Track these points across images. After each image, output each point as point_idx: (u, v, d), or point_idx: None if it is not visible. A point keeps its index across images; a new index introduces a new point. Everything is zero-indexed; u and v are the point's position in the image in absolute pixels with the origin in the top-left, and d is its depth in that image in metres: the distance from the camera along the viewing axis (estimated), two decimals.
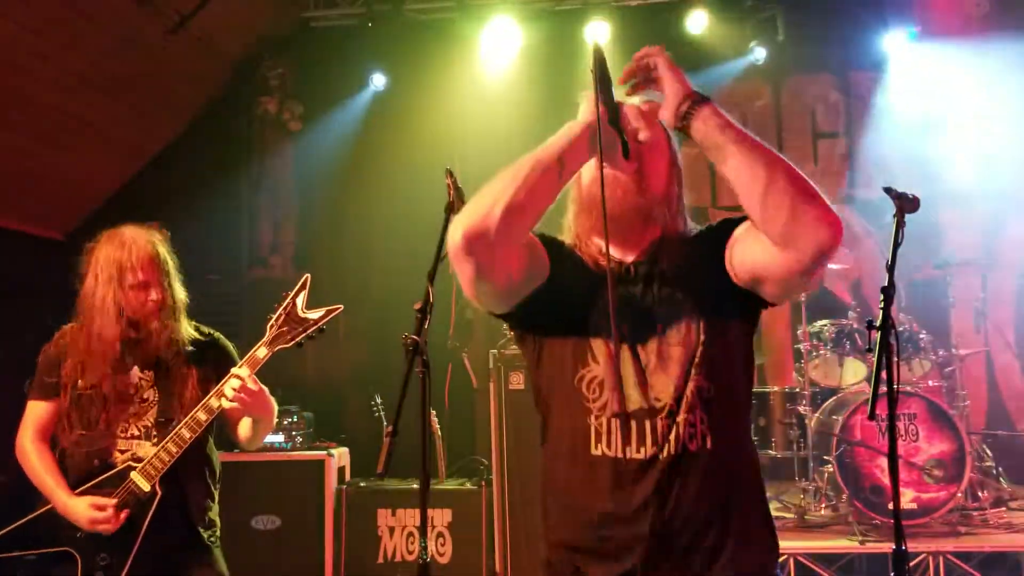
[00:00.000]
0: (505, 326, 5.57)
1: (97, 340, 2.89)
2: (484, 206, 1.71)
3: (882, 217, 5.96)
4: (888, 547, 3.40)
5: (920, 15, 6.69)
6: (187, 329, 3.02)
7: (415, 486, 5.23)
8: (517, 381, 5.09)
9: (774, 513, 5.14)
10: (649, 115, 1.85)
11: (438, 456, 5.65)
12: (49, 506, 2.91)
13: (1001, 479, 5.45)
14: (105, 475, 2.87)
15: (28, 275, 6.37)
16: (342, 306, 2.94)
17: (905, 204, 2.99)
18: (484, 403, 5.48)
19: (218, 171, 7.16)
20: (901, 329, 5.12)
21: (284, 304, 2.90)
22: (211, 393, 2.84)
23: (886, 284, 2.93)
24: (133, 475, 2.84)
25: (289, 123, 7.18)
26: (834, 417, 5.10)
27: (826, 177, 6.81)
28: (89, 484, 2.87)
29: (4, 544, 2.93)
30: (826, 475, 5.21)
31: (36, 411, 2.99)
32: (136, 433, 2.92)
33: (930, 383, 5.31)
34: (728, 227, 1.89)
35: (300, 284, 2.94)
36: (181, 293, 3.02)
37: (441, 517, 5.35)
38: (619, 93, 1.82)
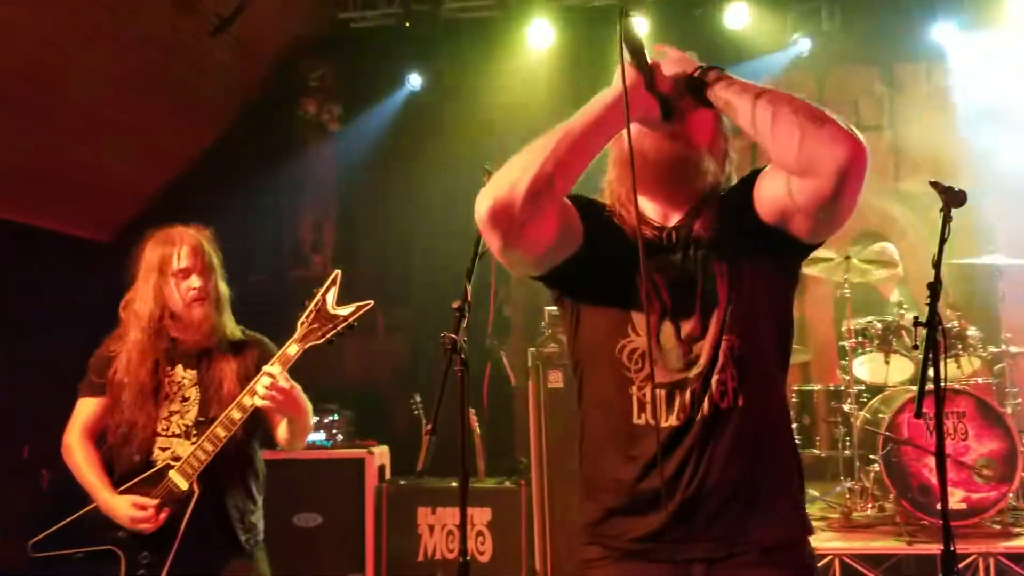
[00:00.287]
0: (543, 324, 5.53)
1: (140, 338, 2.92)
2: (511, 178, 1.71)
3: (928, 211, 5.87)
4: (936, 548, 3.34)
5: (969, 5, 6.56)
6: (231, 326, 3.04)
7: (454, 484, 5.23)
8: (556, 379, 5.07)
9: (820, 513, 5.15)
10: (691, 61, 1.85)
11: (477, 454, 5.65)
12: (94, 504, 2.95)
13: None
14: (146, 473, 2.89)
15: (76, 277, 6.47)
16: (372, 302, 2.89)
17: (951, 198, 2.93)
18: (523, 401, 5.47)
19: (259, 172, 7.22)
20: (949, 325, 5.02)
21: (314, 301, 2.88)
22: (244, 391, 2.85)
23: (932, 280, 2.87)
24: (171, 473, 2.87)
25: (329, 124, 7.23)
26: (880, 415, 5.02)
27: (870, 171, 6.69)
28: (131, 482, 2.91)
29: (53, 542, 2.99)
30: (872, 474, 5.13)
31: (84, 409, 3.04)
32: (177, 432, 2.94)
33: (979, 380, 5.19)
34: (754, 174, 1.87)
35: (330, 280, 2.91)
36: (224, 288, 3.04)
37: (481, 516, 5.35)
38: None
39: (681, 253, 1.87)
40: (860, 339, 5.44)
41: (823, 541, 4.69)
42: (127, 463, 2.92)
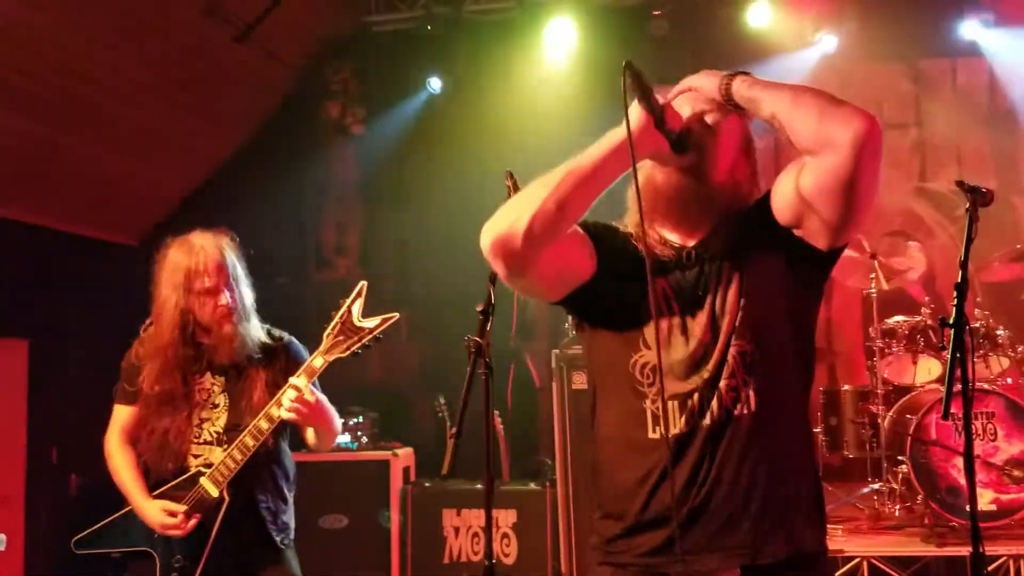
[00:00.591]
0: (567, 325, 5.53)
1: (168, 346, 2.94)
2: (512, 216, 1.76)
3: (955, 210, 5.82)
4: (966, 550, 3.30)
5: (996, 1, 6.49)
6: (258, 333, 3.04)
7: (479, 486, 5.24)
8: (580, 381, 5.06)
9: (848, 515, 5.11)
10: (716, 102, 1.88)
11: (502, 456, 5.66)
12: (129, 507, 3.00)
13: None
14: (179, 479, 2.93)
15: (105, 280, 6.55)
16: (398, 314, 2.89)
17: (978, 198, 2.90)
18: (547, 403, 5.47)
19: (284, 175, 7.28)
20: (977, 325, 4.97)
21: (340, 313, 2.87)
22: (271, 402, 2.86)
23: (959, 280, 2.84)
24: (202, 480, 2.90)
25: (352, 127, 7.27)
26: (908, 416, 4.97)
27: (896, 169, 6.65)
28: (164, 488, 2.94)
29: (93, 541, 3.05)
30: (900, 476, 5.08)
31: (121, 415, 3.09)
32: (208, 439, 2.97)
33: (1008, 380, 5.13)
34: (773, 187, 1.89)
35: (356, 292, 2.90)
36: (249, 297, 3.03)
37: (506, 518, 5.35)
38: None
39: (697, 269, 1.90)
40: (887, 339, 5.39)
41: (851, 543, 4.66)
42: (161, 469, 2.96)
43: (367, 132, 7.30)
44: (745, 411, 1.80)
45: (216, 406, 2.99)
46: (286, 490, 3.06)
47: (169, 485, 2.94)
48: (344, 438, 5.84)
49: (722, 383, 1.81)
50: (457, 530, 5.46)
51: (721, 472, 1.79)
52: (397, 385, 6.97)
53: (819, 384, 5.87)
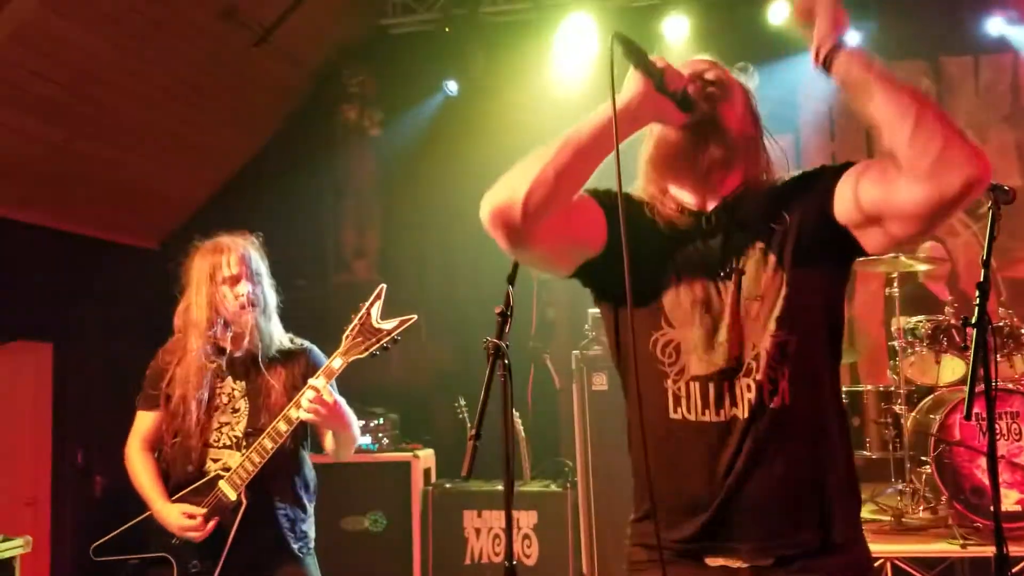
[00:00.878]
0: (586, 326, 5.51)
1: (193, 349, 2.97)
2: (510, 185, 1.73)
3: (978, 208, 5.76)
4: (991, 551, 3.27)
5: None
6: (280, 335, 3.06)
7: (500, 488, 5.24)
8: (600, 382, 5.06)
9: (870, 516, 5.07)
10: (715, 63, 1.86)
11: (522, 457, 5.65)
12: (149, 512, 3.03)
13: None
14: (197, 483, 2.95)
15: (127, 284, 6.61)
16: (415, 316, 2.91)
17: (1000, 196, 2.89)
18: (567, 404, 5.46)
19: (303, 179, 7.31)
20: (1001, 324, 4.92)
21: (359, 315, 2.90)
22: (291, 403, 2.88)
23: (981, 279, 2.82)
24: (220, 484, 2.92)
25: (369, 129, 7.28)
26: (931, 416, 4.93)
27: None
28: (183, 492, 2.97)
29: (110, 548, 3.07)
30: (924, 476, 5.03)
31: (143, 421, 3.12)
32: (228, 443, 2.99)
33: None
34: (832, 170, 1.82)
35: (375, 294, 2.93)
36: (272, 296, 3.07)
37: (527, 519, 5.35)
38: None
39: (721, 238, 1.83)
40: (910, 339, 5.35)
41: (874, 544, 4.61)
42: (181, 473, 2.98)
43: (385, 134, 7.32)
44: (780, 403, 1.75)
45: (237, 411, 3.00)
46: (306, 499, 3.06)
47: (188, 489, 2.96)
48: (365, 440, 5.86)
49: (760, 375, 1.75)
50: (478, 531, 5.47)
51: (755, 462, 1.74)
52: (418, 386, 6.97)
53: (842, 384, 5.82)
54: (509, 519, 2.24)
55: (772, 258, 1.79)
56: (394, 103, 7.30)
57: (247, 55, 6.19)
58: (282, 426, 2.86)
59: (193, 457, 2.95)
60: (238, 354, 3.00)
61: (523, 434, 5.69)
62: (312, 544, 3.06)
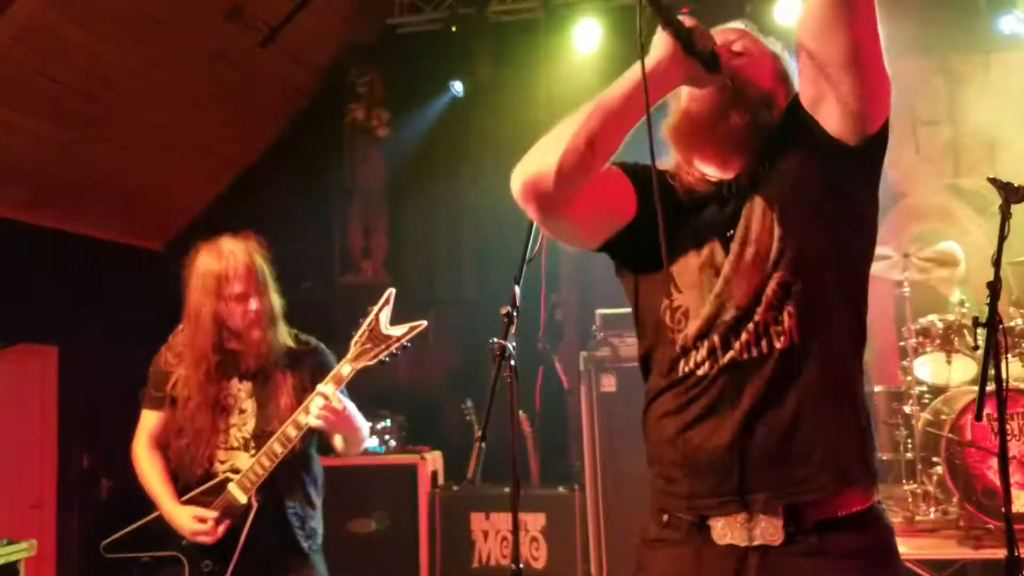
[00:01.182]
0: (594, 327, 5.49)
1: (197, 352, 2.95)
2: (541, 154, 1.70)
3: (989, 207, 5.71)
4: (1003, 553, 3.24)
5: None
6: (285, 338, 3.05)
7: (507, 490, 5.22)
8: (608, 383, 5.04)
9: None
10: (745, 32, 1.86)
11: (530, 459, 5.63)
12: (159, 512, 3.02)
13: None
14: (206, 485, 2.95)
15: (131, 285, 6.61)
16: (425, 323, 2.88)
17: (1011, 194, 2.87)
18: (576, 405, 5.44)
19: (309, 179, 7.31)
20: (1012, 324, 4.89)
21: (368, 320, 2.87)
22: (299, 408, 2.87)
23: (992, 279, 2.79)
24: (230, 486, 2.91)
25: (377, 129, 7.27)
26: (942, 417, 4.90)
27: (928, 165, 6.55)
28: (192, 493, 2.96)
29: (122, 545, 3.07)
30: (935, 477, 5.00)
31: (148, 420, 3.11)
32: (235, 444, 2.98)
33: None
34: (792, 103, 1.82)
35: (384, 299, 2.90)
36: (278, 301, 3.05)
37: (535, 521, 5.33)
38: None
39: (735, 203, 1.81)
40: (921, 339, 5.32)
41: None
42: (189, 474, 2.98)
43: (392, 134, 7.31)
44: (788, 343, 1.71)
45: (244, 411, 2.99)
46: (314, 496, 3.06)
47: (197, 491, 2.95)
48: (372, 442, 5.84)
49: (759, 316, 1.71)
50: (486, 534, 5.44)
51: (765, 405, 1.69)
52: (425, 388, 6.96)
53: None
54: (515, 521, 2.23)
55: (760, 200, 1.76)
56: (401, 103, 7.28)
57: (253, 55, 6.17)
58: (291, 431, 2.85)
59: (200, 458, 2.95)
60: (244, 357, 3.00)
61: (531, 436, 5.67)
62: (320, 541, 3.06)
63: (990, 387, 2.92)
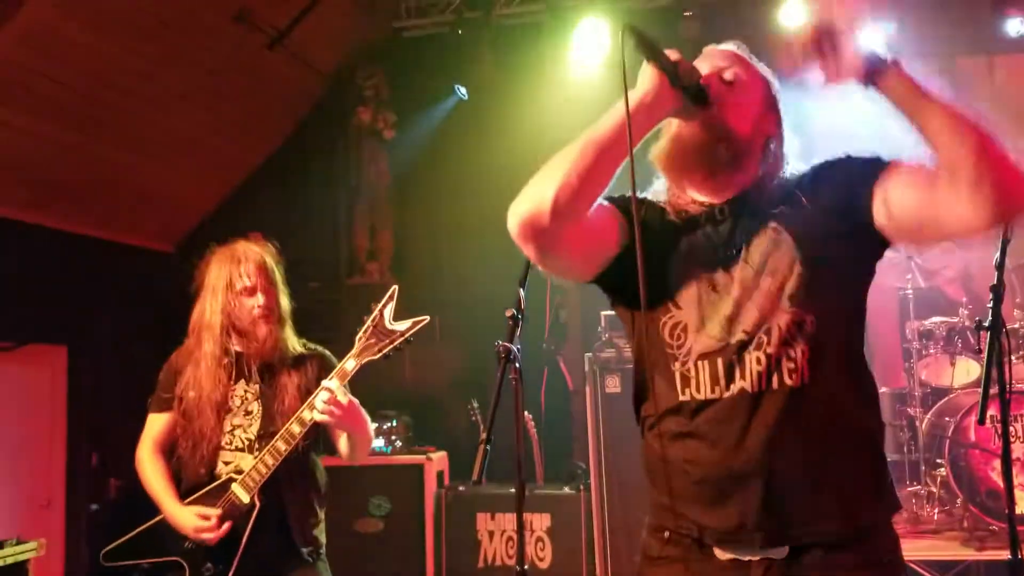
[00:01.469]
0: (600, 328, 5.50)
1: (207, 353, 2.98)
2: (535, 193, 1.72)
3: None
4: (1007, 554, 3.25)
5: None
6: (293, 341, 3.07)
7: (513, 490, 5.24)
8: (613, 385, 5.05)
9: None
10: (737, 57, 1.84)
11: (536, 460, 5.65)
12: (161, 516, 3.04)
13: None
14: (210, 486, 2.96)
15: (142, 287, 6.64)
16: (428, 317, 2.91)
17: None
18: (581, 406, 5.46)
19: (316, 181, 7.34)
20: (1016, 327, 4.89)
21: (372, 316, 2.90)
22: (304, 405, 2.88)
23: (994, 282, 2.81)
24: (233, 486, 2.92)
25: (383, 131, 7.29)
26: (946, 419, 4.91)
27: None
28: (196, 494, 2.97)
29: (123, 552, 3.08)
30: (939, 479, 5.01)
31: (154, 424, 3.12)
32: (240, 445, 2.99)
33: None
34: (862, 163, 1.79)
35: (388, 296, 2.93)
36: (287, 303, 3.08)
37: (540, 522, 5.35)
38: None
39: (730, 223, 1.82)
40: (924, 341, 5.33)
41: None
42: (193, 475, 2.99)
43: (399, 136, 7.33)
44: (800, 381, 1.71)
45: (249, 413, 3.01)
46: (316, 505, 3.05)
47: (201, 492, 2.97)
48: (378, 442, 5.86)
49: (771, 350, 1.72)
50: (492, 534, 5.46)
51: (770, 442, 1.69)
52: (431, 388, 6.97)
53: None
54: (520, 522, 2.24)
55: (787, 236, 1.77)
56: (408, 105, 7.30)
57: (261, 58, 6.21)
58: (296, 428, 2.86)
59: (205, 459, 2.96)
60: (251, 358, 3.03)
61: (536, 436, 5.69)
62: (323, 550, 3.04)
63: (993, 390, 2.94)
